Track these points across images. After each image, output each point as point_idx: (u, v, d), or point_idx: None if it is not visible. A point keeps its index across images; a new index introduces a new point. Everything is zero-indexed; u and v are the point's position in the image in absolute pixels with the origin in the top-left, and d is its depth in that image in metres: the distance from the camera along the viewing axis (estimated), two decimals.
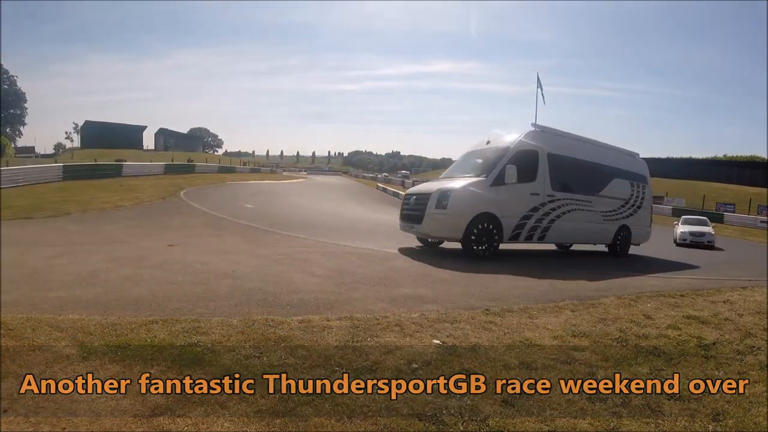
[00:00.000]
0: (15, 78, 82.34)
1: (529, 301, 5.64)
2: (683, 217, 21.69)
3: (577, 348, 4.02)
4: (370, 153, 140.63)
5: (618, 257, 11.42)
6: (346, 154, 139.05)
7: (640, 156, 13.26)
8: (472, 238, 8.49)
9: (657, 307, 5.68)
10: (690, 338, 4.51)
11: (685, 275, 9.24)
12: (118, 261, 6.54)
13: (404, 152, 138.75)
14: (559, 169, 9.91)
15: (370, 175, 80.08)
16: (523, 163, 9.33)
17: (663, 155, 75.86)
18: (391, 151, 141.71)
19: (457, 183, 9.00)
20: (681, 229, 19.48)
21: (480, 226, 8.53)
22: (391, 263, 7.80)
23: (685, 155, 73.31)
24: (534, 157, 9.57)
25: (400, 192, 36.60)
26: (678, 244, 18.47)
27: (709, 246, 18.18)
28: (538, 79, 21.49)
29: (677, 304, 5.95)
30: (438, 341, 3.94)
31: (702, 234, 18.94)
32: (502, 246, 9.11)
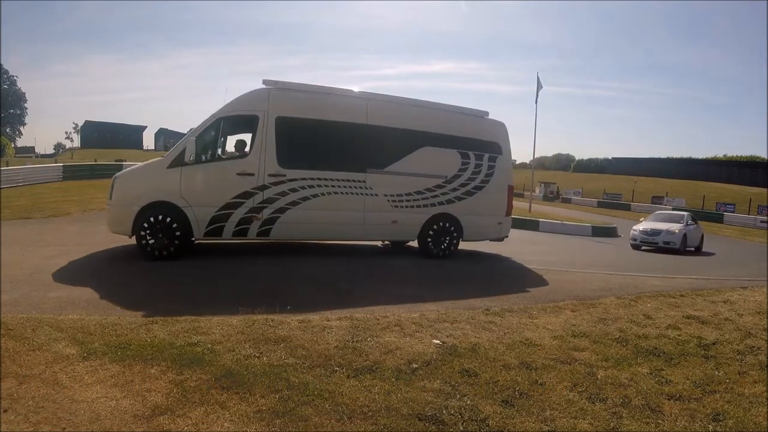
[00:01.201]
0: (15, 78, 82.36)
1: (529, 301, 5.64)
2: (655, 212, 17.29)
3: (577, 348, 4.02)
4: None
5: (431, 257, 8.20)
6: None
7: (495, 119, 9.15)
8: (144, 234, 6.52)
9: (657, 307, 5.68)
10: (690, 338, 4.52)
11: (685, 275, 9.24)
12: (118, 261, 6.54)
13: None
14: (297, 139, 7.36)
15: None
16: (226, 135, 7.57)
17: (663, 155, 75.99)
18: None
19: (137, 167, 7.28)
20: (635, 227, 15.36)
21: (153, 219, 6.54)
22: (391, 263, 7.80)
23: (685, 155, 73.34)
24: (251, 126, 7.20)
25: None
26: (633, 247, 14.71)
27: (673, 249, 14.03)
28: (538, 79, 21.35)
29: (677, 304, 5.95)
30: (438, 341, 3.94)
31: (656, 233, 14.42)
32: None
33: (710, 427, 2.82)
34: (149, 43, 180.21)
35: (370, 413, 2.68)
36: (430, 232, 8.26)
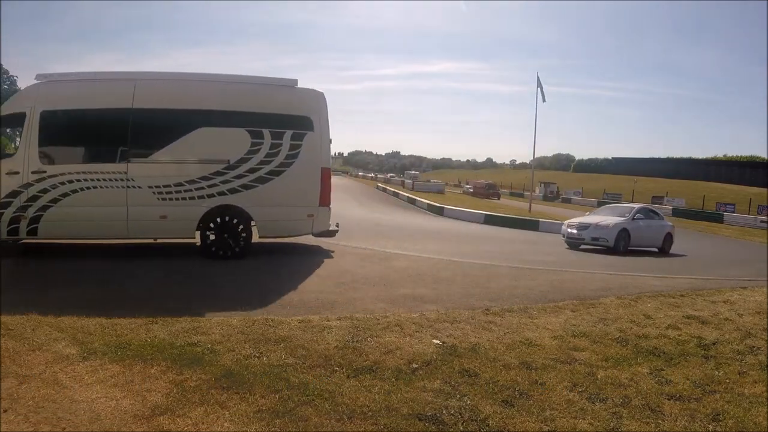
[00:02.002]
0: (15, 78, 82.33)
1: (529, 301, 5.64)
2: (608, 206, 14.97)
3: (577, 348, 4.02)
4: (370, 153, 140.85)
5: (212, 257, 7.13)
6: (346, 154, 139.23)
7: (318, 94, 7.96)
8: None
9: (657, 307, 5.68)
10: (690, 338, 4.51)
11: (685, 275, 9.23)
12: (118, 261, 6.55)
13: (404, 152, 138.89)
14: (60, 133, 7.05)
15: (370, 174, 79.65)
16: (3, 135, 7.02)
17: (663, 155, 75.98)
18: (391, 151, 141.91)
19: None
20: (569, 221, 13.22)
21: None
22: (392, 263, 7.80)
23: (685, 155, 73.36)
24: (23, 123, 6.83)
25: (401, 192, 36.33)
26: (569, 246, 12.52)
27: (608, 249, 11.77)
28: (538, 79, 21.34)
29: (677, 304, 5.95)
30: (438, 341, 3.94)
31: (584, 227, 11.98)
32: None
33: (710, 427, 2.82)
34: (149, 43, 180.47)
35: (370, 413, 2.68)
36: (211, 227, 7.19)
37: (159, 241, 7.62)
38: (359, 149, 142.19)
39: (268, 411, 2.62)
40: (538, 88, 28.53)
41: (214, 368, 3.10)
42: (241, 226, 7.28)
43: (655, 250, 12.93)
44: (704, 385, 3.41)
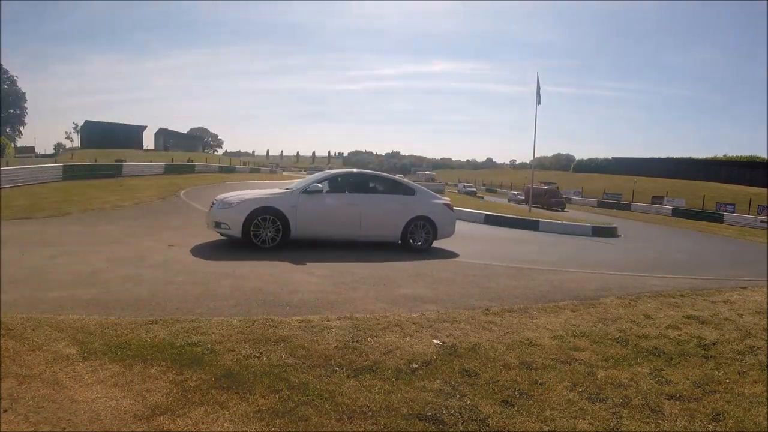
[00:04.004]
0: (15, 78, 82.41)
1: (529, 301, 5.64)
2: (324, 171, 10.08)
3: (577, 348, 4.02)
4: (370, 153, 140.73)
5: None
6: (346, 154, 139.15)
7: None
8: None
9: (657, 307, 5.68)
10: (690, 338, 4.52)
11: (685, 275, 9.23)
12: (118, 261, 6.54)
13: (404, 152, 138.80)
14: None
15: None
16: None
17: (663, 155, 76.00)
18: (391, 151, 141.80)
19: None
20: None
21: None
22: (391, 263, 7.80)
23: (685, 155, 73.35)
24: None
25: None
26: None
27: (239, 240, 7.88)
28: (538, 79, 21.33)
29: (677, 304, 5.95)
30: (438, 341, 3.94)
31: (225, 205, 7.77)
32: None
33: (710, 427, 2.82)
34: (149, 43, 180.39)
35: (370, 413, 2.68)
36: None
37: None
38: (359, 149, 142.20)
39: (268, 411, 2.62)
40: (537, 89, 28.56)
41: (214, 368, 3.10)
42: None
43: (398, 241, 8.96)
44: (704, 385, 3.41)
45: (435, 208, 9.19)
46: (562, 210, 32.90)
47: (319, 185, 8.44)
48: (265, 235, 7.81)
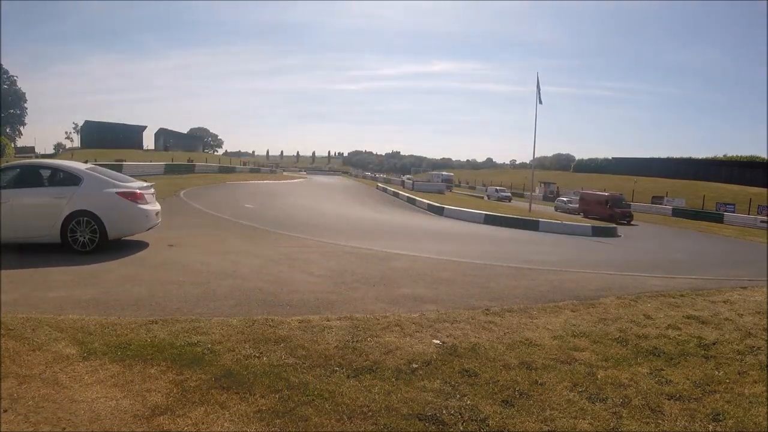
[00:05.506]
0: (15, 78, 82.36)
1: (529, 301, 5.64)
2: None
3: (577, 348, 4.02)
4: (370, 153, 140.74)
5: None
6: (346, 154, 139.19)
7: None
8: None
9: (657, 307, 5.68)
10: (690, 338, 4.51)
11: (685, 275, 9.23)
12: (118, 261, 6.54)
13: (404, 152, 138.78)
14: None
15: (371, 175, 79.23)
16: None
17: (663, 155, 76.01)
18: (391, 151, 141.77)
19: None
20: None
21: None
22: (392, 263, 7.80)
23: (685, 155, 73.29)
24: None
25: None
26: None
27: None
28: (537, 79, 21.33)
29: (677, 304, 5.94)
30: (438, 341, 3.94)
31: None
32: None
33: (710, 427, 2.82)
34: (149, 43, 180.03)
35: (370, 413, 2.68)
36: None
37: None
38: (359, 149, 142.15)
39: (268, 411, 2.62)
40: (537, 90, 28.61)
41: (214, 368, 3.10)
42: None
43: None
44: (704, 385, 3.41)
45: (102, 200, 7.08)
46: (629, 223, 25.51)
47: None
48: None
